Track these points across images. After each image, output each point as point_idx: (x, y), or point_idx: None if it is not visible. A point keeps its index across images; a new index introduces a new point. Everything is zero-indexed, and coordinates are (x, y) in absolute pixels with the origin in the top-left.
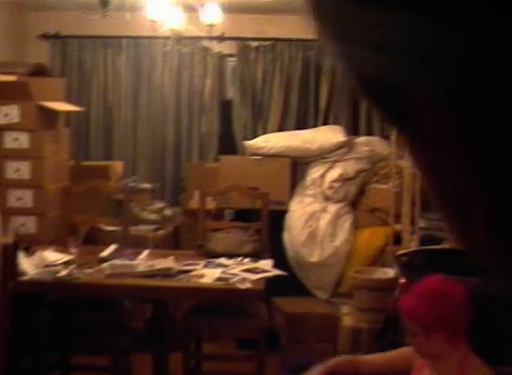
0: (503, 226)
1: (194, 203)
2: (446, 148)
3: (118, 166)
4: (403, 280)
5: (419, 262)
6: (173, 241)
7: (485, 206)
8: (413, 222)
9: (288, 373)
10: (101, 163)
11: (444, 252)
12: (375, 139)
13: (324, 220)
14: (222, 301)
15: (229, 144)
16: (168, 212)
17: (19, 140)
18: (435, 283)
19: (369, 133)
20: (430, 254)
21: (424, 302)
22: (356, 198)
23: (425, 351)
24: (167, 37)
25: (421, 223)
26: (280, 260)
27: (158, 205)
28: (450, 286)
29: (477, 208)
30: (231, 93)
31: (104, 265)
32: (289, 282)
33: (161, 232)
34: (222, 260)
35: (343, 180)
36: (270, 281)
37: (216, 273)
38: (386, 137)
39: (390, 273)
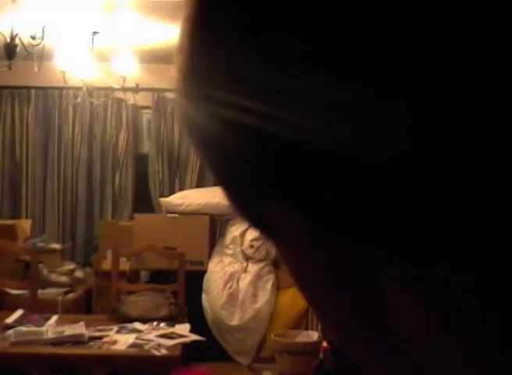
0: (351, 322)
1: (107, 264)
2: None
3: (25, 224)
4: (325, 344)
5: None
6: (85, 305)
7: (331, 304)
8: None
9: None
10: (7, 222)
11: None
12: None
13: (244, 281)
14: (137, 368)
15: (144, 200)
16: (79, 273)
17: None
18: None
19: None
20: None
21: None
22: (278, 257)
23: None
24: (78, 88)
25: None
26: (199, 323)
27: (69, 266)
28: None
29: (327, 304)
30: (147, 147)
31: (9, 332)
32: (209, 347)
33: (71, 295)
34: (137, 325)
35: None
36: (189, 346)
37: (130, 338)
38: None
39: (314, 335)
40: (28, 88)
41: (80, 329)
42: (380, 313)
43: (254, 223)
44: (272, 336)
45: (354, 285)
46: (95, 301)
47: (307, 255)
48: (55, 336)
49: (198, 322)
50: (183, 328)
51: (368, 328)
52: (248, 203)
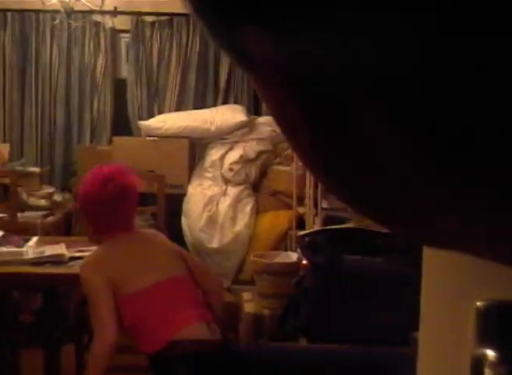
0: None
1: None
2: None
3: (3, 149)
4: (305, 262)
5: (321, 242)
6: (64, 228)
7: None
8: (316, 204)
9: None
10: None
11: (347, 232)
12: None
13: (224, 204)
14: None
15: (123, 125)
16: (58, 197)
17: None
18: None
19: None
20: (332, 234)
21: None
22: (257, 181)
23: None
24: (56, 11)
25: (324, 204)
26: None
27: (48, 190)
28: None
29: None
30: (125, 71)
31: None
32: None
33: (50, 218)
34: None
35: (244, 161)
36: None
37: None
38: None
39: (293, 256)
40: (4, 11)
41: (60, 249)
42: (355, 141)
43: (232, 51)
44: (251, 257)
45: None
46: (74, 225)
47: (284, 91)
48: (36, 256)
49: (178, 245)
50: None
51: (346, 157)
52: (225, 28)
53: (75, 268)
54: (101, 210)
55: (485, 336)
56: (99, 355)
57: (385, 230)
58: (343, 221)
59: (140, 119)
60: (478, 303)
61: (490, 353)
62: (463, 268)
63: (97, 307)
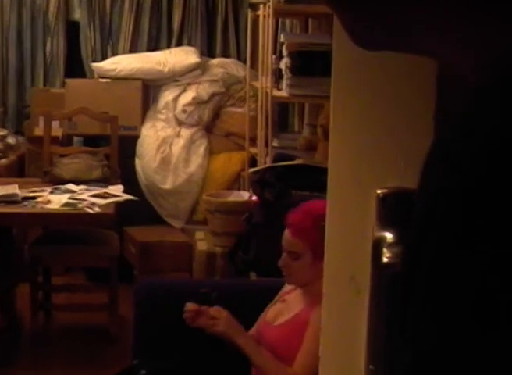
0: None
1: (40, 130)
2: None
3: None
4: (254, 198)
5: (270, 178)
6: (18, 171)
7: None
8: (267, 143)
9: (141, 294)
10: None
11: (295, 169)
12: (230, 61)
13: (177, 146)
14: (71, 228)
15: (76, 68)
16: (11, 140)
17: None
18: (325, 208)
19: (224, 55)
20: (281, 170)
21: (312, 222)
22: (210, 122)
23: (300, 277)
24: None
25: (275, 143)
26: (132, 188)
27: (1, 132)
28: None
29: None
30: (78, 14)
31: None
32: (142, 210)
33: (4, 161)
34: (70, 186)
35: (197, 103)
36: (122, 210)
37: (63, 198)
38: (243, 60)
39: (245, 195)
40: None
41: (13, 189)
42: None
43: None
44: (203, 196)
45: None
46: (28, 167)
47: None
48: None
49: (132, 187)
50: (116, 189)
51: None
52: None
53: (28, 207)
54: None
55: (385, 220)
56: None
57: None
58: (292, 159)
59: (94, 61)
60: (378, 191)
61: (388, 235)
62: (364, 160)
63: None
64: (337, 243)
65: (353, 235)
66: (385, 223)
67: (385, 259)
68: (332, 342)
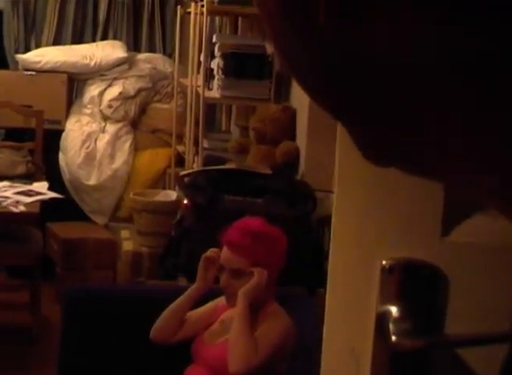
0: None
1: None
2: None
3: None
4: (186, 202)
5: (202, 182)
6: None
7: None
8: (196, 143)
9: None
10: None
11: (227, 173)
12: (157, 56)
13: (102, 141)
14: None
15: None
16: None
17: None
18: (263, 225)
19: (151, 50)
20: (213, 174)
21: (252, 239)
22: (136, 118)
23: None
24: None
25: (205, 144)
26: (56, 183)
27: None
28: (276, 231)
29: None
30: (1, 2)
31: None
32: (66, 206)
33: None
34: None
35: (123, 98)
36: (45, 205)
37: None
38: (169, 55)
39: (172, 195)
40: None
41: None
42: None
43: None
44: (130, 195)
45: None
46: None
47: None
48: None
49: (56, 182)
50: (41, 186)
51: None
52: None
53: None
54: None
55: (389, 293)
56: None
57: (264, 172)
58: (223, 161)
59: (17, 52)
60: (383, 262)
61: (393, 309)
62: (368, 231)
63: None
64: (338, 317)
65: (356, 309)
66: (389, 296)
67: (393, 338)
68: None
